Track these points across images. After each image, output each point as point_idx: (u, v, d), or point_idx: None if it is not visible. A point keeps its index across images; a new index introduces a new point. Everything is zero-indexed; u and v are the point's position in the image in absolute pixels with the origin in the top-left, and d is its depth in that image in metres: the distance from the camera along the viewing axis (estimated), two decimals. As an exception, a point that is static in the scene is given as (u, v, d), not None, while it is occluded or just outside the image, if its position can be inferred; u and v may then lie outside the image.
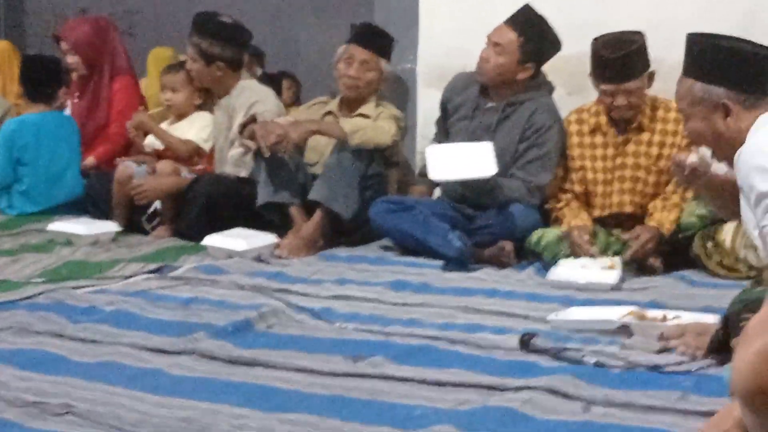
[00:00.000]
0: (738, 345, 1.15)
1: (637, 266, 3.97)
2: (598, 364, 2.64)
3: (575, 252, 4.00)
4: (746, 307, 2.57)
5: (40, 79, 5.30)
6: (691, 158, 2.91)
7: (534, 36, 4.32)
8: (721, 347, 2.62)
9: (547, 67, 4.73)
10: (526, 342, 2.79)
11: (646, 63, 4.10)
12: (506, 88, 4.37)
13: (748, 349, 1.12)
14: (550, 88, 4.48)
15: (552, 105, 4.41)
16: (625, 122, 4.17)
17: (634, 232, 4.01)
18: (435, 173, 4.19)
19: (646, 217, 4.11)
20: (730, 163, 2.71)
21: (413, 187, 4.81)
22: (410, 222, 4.28)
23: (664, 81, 4.44)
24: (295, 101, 6.51)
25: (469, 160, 4.14)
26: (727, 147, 2.76)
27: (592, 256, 3.93)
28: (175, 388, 2.45)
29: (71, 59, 5.49)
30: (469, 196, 4.32)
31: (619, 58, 4.01)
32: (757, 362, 1.10)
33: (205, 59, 4.80)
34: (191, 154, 4.97)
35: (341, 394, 2.42)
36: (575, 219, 4.14)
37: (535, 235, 4.16)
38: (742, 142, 2.70)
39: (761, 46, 2.75)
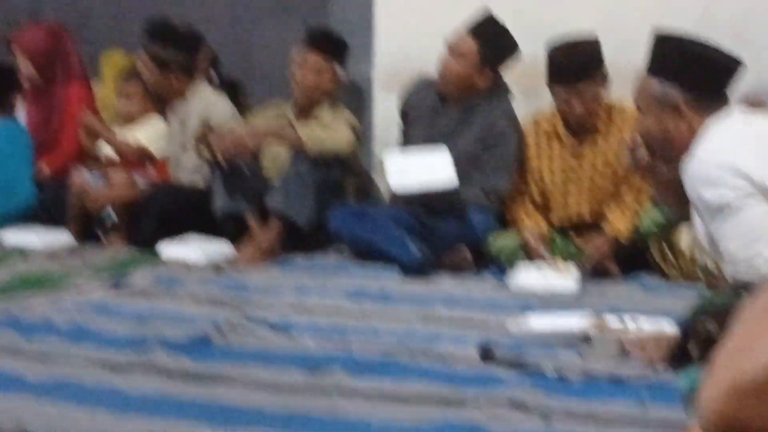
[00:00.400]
0: (705, 379, 1.13)
1: (594, 272, 3.98)
2: (558, 375, 2.63)
3: (531, 258, 4.01)
4: (704, 314, 2.58)
5: None
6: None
7: (493, 42, 4.33)
8: (679, 355, 2.63)
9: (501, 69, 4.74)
10: (485, 352, 2.78)
11: (600, 65, 4.11)
12: (465, 93, 4.36)
13: (715, 385, 1.10)
14: (508, 92, 4.47)
15: (510, 109, 4.41)
16: (581, 129, 4.18)
17: (590, 239, 4.03)
18: (396, 186, 4.17)
19: (601, 222, 4.13)
20: (673, 164, 2.74)
21: None
22: (368, 229, 4.27)
23: (620, 84, 4.47)
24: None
25: (428, 170, 4.12)
26: (675, 149, 2.78)
27: (545, 260, 3.94)
28: (132, 406, 2.41)
29: (24, 65, 5.41)
30: (428, 203, 4.30)
31: (573, 60, 4.04)
32: (725, 398, 1.09)
33: (159, 65, 4.75)
34: (142, 159, 4.92)
35: (300, 410, 2.39)
36: (532, 225, 4.15)
37: (493, 241, 4.16)
38: (687, 146, 2.72)
39: (726, 53, 2.77)
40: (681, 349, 2.61)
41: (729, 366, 1.10)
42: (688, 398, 1.83)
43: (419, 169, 4.13)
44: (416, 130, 4.48)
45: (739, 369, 1.09)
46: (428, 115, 4.46)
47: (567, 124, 4.20)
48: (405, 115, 4.60)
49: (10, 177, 5.09)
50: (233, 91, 6.13)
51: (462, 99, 4.38)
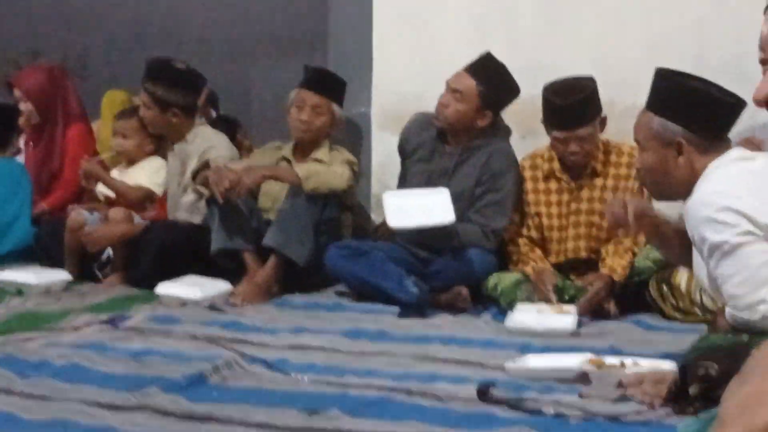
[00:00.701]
0: (716, 429, 1.13)
1: (593, 312, 3.97)
2: (557, 414, 2.62)
3: (535, 293, 4.00)
4: (704, 354, 2.57)
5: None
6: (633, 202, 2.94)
7: (494, 84, 4.34)
8: (678, 395, 2.62)
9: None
10: (483, 392, 2.76)
11: (597, 108, 4.12)
12: (464, 133, 4.38)
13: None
14: (507, 133, 4.49)
15: (508, 149, 4.43)
16: (578, 168, 4.19)
17: (587, 280, 4.03)
18: (393, 221, 4.15)
19: (599, 262, 4.13)
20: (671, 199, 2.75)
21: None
22: (365, 267, 4.26)
23: (616, 123, 4.49)
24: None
25: (426, 208, 4.12)
26: (673, 185, 2.80)
27: (550, 301, 3.93)
28: (128, 447, 2.41)
29: (24, 107, 5.44)
30: (426, 241, 4.30)
31: (571, 105, 4.03)
32: None
33: (160, 106, 4.76)
34: (143, 200, 4.92)
35: (297, 450, 2.38)
36: (540, 261, 4.16)
37: (491, 280, 4.15)
38: (688, 184, 2.73)
39: (729, 93, 2.78)
40: (680, 388, 2.59)
41: (739, 416, 1.09)
42: None
43: (418, 208, 4.12)
44: (415, 167, 4.49)
45: (750, 419, 1.09)
46: (427, 153, 4.47)
47: (564, 165, 4.21)
48: (403, 151, 4.61)
49: (10, 216, 5.10)
50: (232, 129, 6.16)
51: (461, 139, 4.39)
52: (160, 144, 5.02)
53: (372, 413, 2.63)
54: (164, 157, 4.99)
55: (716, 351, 2.53)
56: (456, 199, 4.19)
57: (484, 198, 4.32)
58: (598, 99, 4.12)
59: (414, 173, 4.49)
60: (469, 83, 4.31)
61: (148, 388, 2.79)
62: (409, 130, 4.61)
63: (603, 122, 4.16)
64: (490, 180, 4.32)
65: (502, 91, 4.38)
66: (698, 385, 2.46)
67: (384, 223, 4.38)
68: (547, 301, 3.96)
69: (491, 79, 4.34)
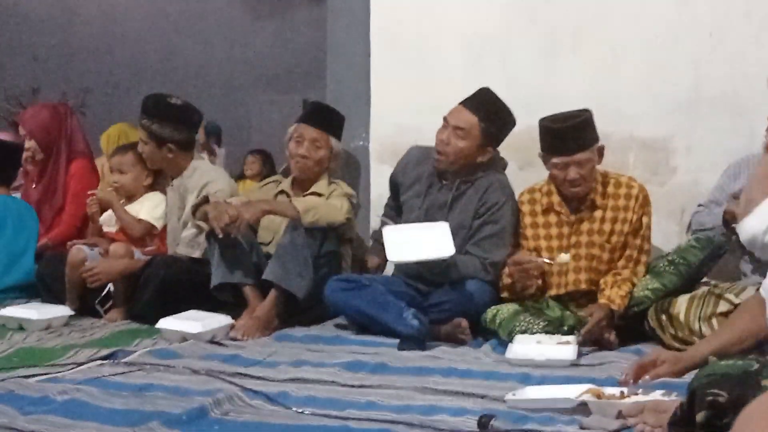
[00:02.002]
0: None
1: (593, 342, 3.98)
2: (557, 445, 2.62)
3: (525, 280, 4.05)
4: (712, 381, 2.53)
5: (6, 163, 5.33)
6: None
7: (494, 119, 4.36)
8: (684, 422, 2.59)
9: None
10: (484, 424, 2.76)
11: (594, 135, 4.15)
12: (464, 168, 4.39)
13: None
14: (503, 165, 4.51)
15: (505, 181, 4.45)
16: (577, 201, 4.22)
17: (588, 311, 4.03)
18: (393, 255, 4.15)
19: (598, 293, 4.14)
20: None
21: (369, 257, 4.76)
22: (365, 300, 4.27)
23: (613, 155, 4.52)
24: (264, 174, 6.50)
25: (426, 242, 4.12)
26: None
27: (539, 268, 4.04)
28: (130, 481, 2.40)
29: (29, 144, 5.50)
30: (425, 274, 4.31)
31: (569, 128, 4.07)
32: None
33: (156, 141, 4.80)
34: (144, 235, 4.95)
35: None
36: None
37: (490, 312, 4.16)
38: None
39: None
40: (687, 415, 2.57)
41: None
42: None
43: (418, 242, 4.12)
44: (412, 201, 4.50)
45: None
46: (424, 187, 4.48)
47: (563, 197, 4.23)
48: (396, 184, 4.62)
49: (17, 252, 5.13)
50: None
51: (460, 173, 4.40)
52: (158, 178, 5.05)
53: (373, 446, 2.64)
54: (163, 191, 5.02)
55: (725, 378, 2.50)
56: (454, 232, 4.20)
57: (482, 230, 4.34)
58: (595, 127, 4.15)
59: (411, 207, 4.50)
60: (471, 120, 4.32)
61: (149, 423, 2.79)
62: (406, 164, 4.62)
63: (600, 152, 4.18)
64: (487, 212, 4.34)
65: (503, 125, 4.40)
66: (706, 413, 2.43)
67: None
68: (537, 268, 4.02)
69: (492, 115, 4.35)
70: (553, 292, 4.25)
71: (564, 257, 4.09)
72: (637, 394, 2.92)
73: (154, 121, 4.80)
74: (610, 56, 4.90)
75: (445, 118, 4.37)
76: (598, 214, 4.21)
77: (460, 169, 4.40)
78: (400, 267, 4.43)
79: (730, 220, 4.09)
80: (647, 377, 2.81)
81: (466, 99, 4.38)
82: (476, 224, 4.35)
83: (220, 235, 4.32)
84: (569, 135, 4.09)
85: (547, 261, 4.12)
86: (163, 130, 4.79)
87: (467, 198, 4.39)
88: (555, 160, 4.14)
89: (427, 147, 4.54)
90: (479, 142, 4.34)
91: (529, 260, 4.10)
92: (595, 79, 4.84)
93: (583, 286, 4.21)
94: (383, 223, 4.32)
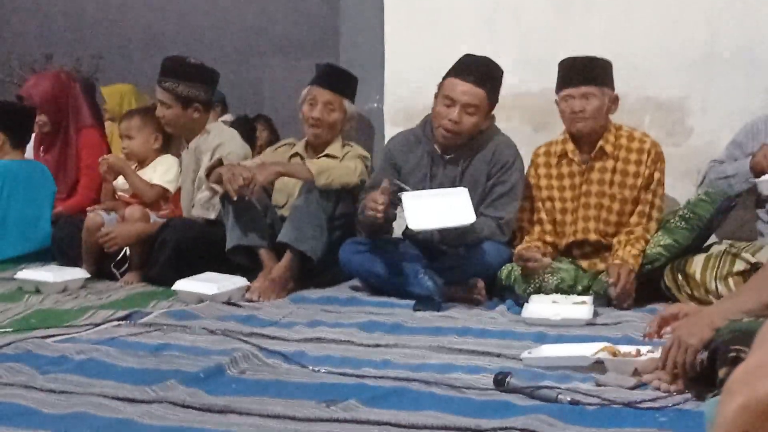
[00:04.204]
0: (721, 397, 1.13)
1: (608, 300, 3.98)
2: (573, 402, 2.62)
3: (528, 272, 4.06)
4: (735, 338, 2.52)
5: (22, 127, 5.34)
6: None
7: (496, 84, 4.31)
8: (705, 379, 2.58)
9: (511, 104, 4.77)
10: (501, 381, 2.77)
11: (606, 79, 4.19)
12: (469, 139, 4.34)
13: (731, 403, 1.10)
14: (493, 120, 4.42)
15: (509, 140, 4.42)
16: (589, 146, 4.21)
17: (614, 273, 4.00)
18: (413, 223, 4.02)
19: (610, 253, 4.13)
20: None
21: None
22: (380, 263, 4.28)
23: (628, 113, 4.51)
24: (272, 142, 6.50)
25: (446, 209, 4.03)
26: None
27: (548, 268, 4.04)
28: (149, 438, 2.42)
29: (37, 118, 5.49)
30: (445, 241, 4.27)
31: (580, 62, 4.16)
32: (740, 417, 1.09)
33: (182, 102, 4.79)
34: (158, 199, 4.96)
35: (316, 439, 2.39)
36: (520, 246, 4.21)
37: (505, 269, 4.17)
38: None
39: None
40: (708, 372, 2.56)
41: (743, 385, 1.10)
42: (709, 424, 1.78)
43: (438, 209, 4.02)
44: (418, 185, 4.34)
45: (753, 389, 1.09)
46: (427, 168, 4.39)
47: (576, 144, 4.24)
48: (396, 168, 4.47)
49: (33, 217, 5.16)
50: (252, 129, 6.17)
51: (465, 145, 4.36)
52: (168, 141, 5.05)
53: (389, 403, 2.64)
54: (175, 154, 5.02)
55: (749, 335, 2.47)
56: (470, 194, 4.15)
57: (494, 191, 4.32)
58: (609, 74, 4.17)
59: (420, 187, 4.34)
60: (481, 94, 4.23)
61: (166, 382, 2.81)
62: (398, 152, 4.47)
63: (614, 101, 4.18)
64: (498, 173, 4.32)
65: (500, 86, 4.34)
66: (728, 369, 2.42)
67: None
68: (542, 267, 4.04)
69: (493, 81, 4.29)
70: (565, 241, 4.25)
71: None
72: (653, 352, 2.92)
73: (180, 83, 4.78)
74: (625, 14, 4.86)
75: (448, 96, 4.23)
76: (609, 164, 4.20)
77: (465, 141, 4.36)
78: (421, 234, 4.31)
79: (759, 172, 4.09)
80: (669, 329, 2.79)
81: (462, 71, 4.25)
82: (489, 185, 4.33)
83: (234, 198, 4.32)
84: (579, 68, 4.15)
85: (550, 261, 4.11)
86: (190, 90, 4.79)
87: (476, 165, 4.34)
88: (563, 92, 4.14)
89: (409, 131, 4.50)
90: (486, 112, 4.30)
91: (534, 258, 4.06)
92: (610, 38, 4.81)
93: (592, 235, 4.21)
94: (400, 189, 4.21)
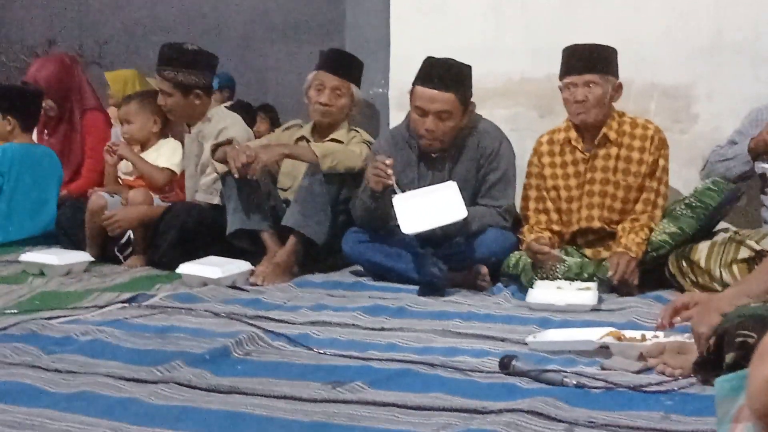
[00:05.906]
0: (752, 362, 1.13)
1: (612, 287, 3.98)
2: (578, 385, 2.62)
3: (538, 263, 4.04)
4: (742, 323, 2.51)
5: (31, 111, 5.34)
6: None
7: (465, 83, 4.24)
8: (712, 363, 2.57)
9: (517, 91, 4.75)
10: (506, 365, 2.77)
11: (609, 67, 4.17)
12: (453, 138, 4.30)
13: (763, 368, 1.10)
14: (473, 107, 4.36)
15: (492, 125, 4.40)
16: (592, 133, 4.20)
17: (613, 263, 4.00)
18: (406, 227, 3.96)
19: (614, 241, 4.12)
20: None
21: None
22: (383, 252, 4.26)
23: (634, 101, 4.49)
24: (271, 131, 6.50)
25: (437, 207, 3.99)
26: None
27: (559, 261, 4.01)
28: (153, 418, 2.41)
29: (44, 103, 5.49)
30: (445, 235, 4.23)
31: (583, 49, 4.14)
32: (761, 391, 1.09)
33: (183, 90, 4.78)
34: (168, 182, 4.96)
35: (322, 421, 2.38)
36: (530, 236, 4.18)
37: (512, 258, 4.17)
38: None
39: None
40: (715, 356, 2.55)
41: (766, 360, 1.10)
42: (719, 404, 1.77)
43: (429, 209, 3.98)
44: (409, 186, 4.28)
45: None
46: (414, 170, 4.37)
47: (579, 132, 4.23)
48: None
49: (40, 200, 5.16)
50: (252, 116, 6.16)
51: (449, 143, 4.31)
52: (168, 124, 5.04)
53: (395, 385, 2.65)
54: (176, 138, 5.02)
55: (756, 319, 2.47)
56: (463, 188, 4.11)
57: (487, 180, 4.30)
58: (614, 62, 4.16)
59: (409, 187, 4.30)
60: (450, 98, 4.16)
61: (172, 362, 2.81)
62: (389, 149, 4.40)
63: (617, 89, 4.17)
64: (486, 162, 4.30)
65: (470, 81, 4.27)
66: (735, 354, 2.41)
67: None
68: (552, 259, 4.01)
69: (462, 82, 4.22)
70: (570, 229, 4.25)
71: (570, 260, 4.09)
72: (657, 337, 2.92)
73: (179, 71, 4.77)
74: (632, 3, 4.84)
75: (418, 107, 4.19)
76: (612, 151, 4.19)
77: (449, 141, 4.30)
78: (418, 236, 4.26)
79: (759, 151, 4.09)
80: (679, 318, 2.79)
81: (427, 79, 4.18)
82: (480, 176, 4.31)
83: (236, 176, 4.31)
84: (582, 55, 4.14)
85: (562, 256, 4.10)
86: (190, 77, 4.78)
87: (464, 159, 4.32)
88: (566, 80, 4.15)
89: (394, 130, 4.49)
90: (461, 111, 4.24)
91: (543, 251, 4.05)
92: (617, 27, 4.79)
93: (596, 223, 4.21)
94: (392, 191, 4.16)
